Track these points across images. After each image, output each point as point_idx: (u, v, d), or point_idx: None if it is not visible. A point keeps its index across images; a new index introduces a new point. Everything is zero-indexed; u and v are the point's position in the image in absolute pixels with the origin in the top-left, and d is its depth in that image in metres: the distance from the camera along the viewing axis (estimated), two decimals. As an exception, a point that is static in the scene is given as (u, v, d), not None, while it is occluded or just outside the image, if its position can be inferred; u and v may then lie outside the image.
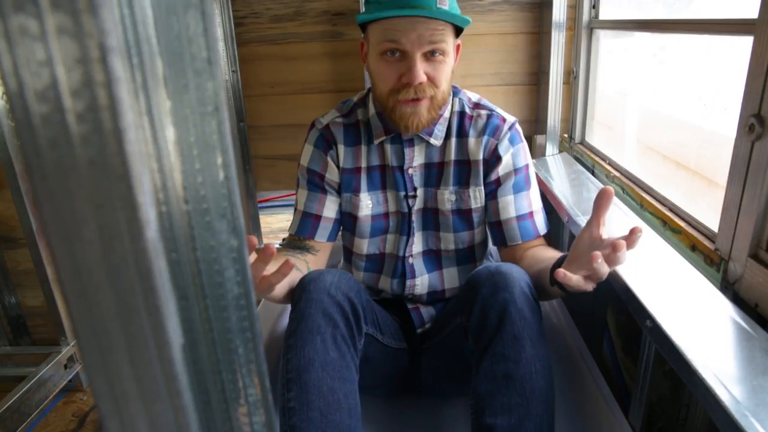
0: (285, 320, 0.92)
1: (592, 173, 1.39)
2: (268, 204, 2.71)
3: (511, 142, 1.01)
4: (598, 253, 0.69)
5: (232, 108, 1.67)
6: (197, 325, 0.22)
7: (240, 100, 1.66)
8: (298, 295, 0.86)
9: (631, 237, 0.69)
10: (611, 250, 0.69)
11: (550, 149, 1.61)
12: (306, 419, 0.78)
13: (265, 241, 1.94)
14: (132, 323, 0.18)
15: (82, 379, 1.55)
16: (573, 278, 0.71)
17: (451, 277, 1.09)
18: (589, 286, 0.74)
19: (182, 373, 0.20)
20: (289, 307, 0.90)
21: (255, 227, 1.86)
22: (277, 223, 2.55)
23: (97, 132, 0.16)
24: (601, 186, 1.27)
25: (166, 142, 0.19)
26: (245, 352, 0.23)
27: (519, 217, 1.00)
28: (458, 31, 0.94)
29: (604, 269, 0.70)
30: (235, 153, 1.69)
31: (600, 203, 0.74)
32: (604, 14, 1.44)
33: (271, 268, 0.74)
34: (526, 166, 1.02)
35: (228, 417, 0.23)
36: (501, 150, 1.00)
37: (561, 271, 0.72)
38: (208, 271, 0.22)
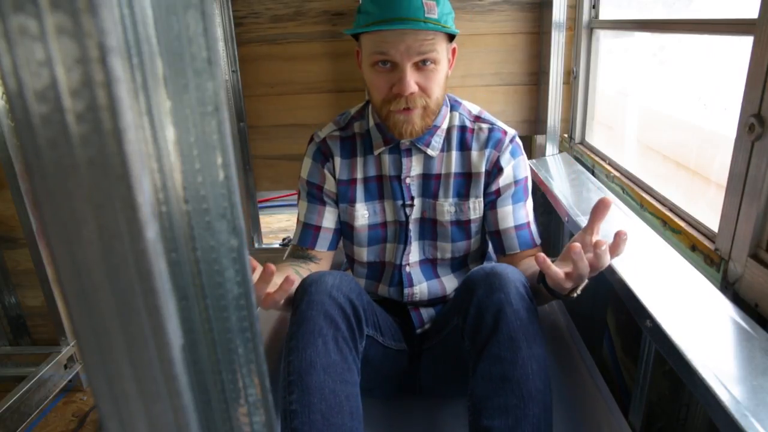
0: (286, 322, 0.91)
1: (592, 173, 1.39)
2: (268, 204, 2.70)
3: (513, 154, 1.03)
4: (577, 245, 0.70)
5: (232, 108, 1.67)
6: (197, 326, 0.22)
7: (240, 100, 1.66)
8: (299, 297, 0.86)
9: (617, 240, 0.71)
10: (594, 251, 0.70)
11: (550, 149, 1.61)
12: (308, 422, 0.78)
13: (266, 241, 1.94)
14: (132, 323, 0.18)
15: (82, 379, 1.55)
16: (552, 267, 0.73)
17: (451, 283, 1.10)
18: (568, 284, 0.75)
19: (182, 373, 0.20)
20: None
21: (255, 227, 1.86)
22: (276, 223, 2.54)
23: (97, 132, 0.16)
24: (601, 186, 1.27)
25: (166, 142, 0.19)
26: (245, 352, 0.23)
27: (517, 227, 1.02)
28: (451, 36, 0.94)
29: (583, 264, 0.71)
30: (235, 153, 1.69)
31: (597, 212, 0.76)
32: (604, 14, 1.44)
33: (274, 282, 0.76)
34: (526, 177, 1.05)
35: (228, 417, 0.23)
36: (503, 162, 1.01)
37: (541, 255, 0.73)
38: (208, 271, 0.22)
